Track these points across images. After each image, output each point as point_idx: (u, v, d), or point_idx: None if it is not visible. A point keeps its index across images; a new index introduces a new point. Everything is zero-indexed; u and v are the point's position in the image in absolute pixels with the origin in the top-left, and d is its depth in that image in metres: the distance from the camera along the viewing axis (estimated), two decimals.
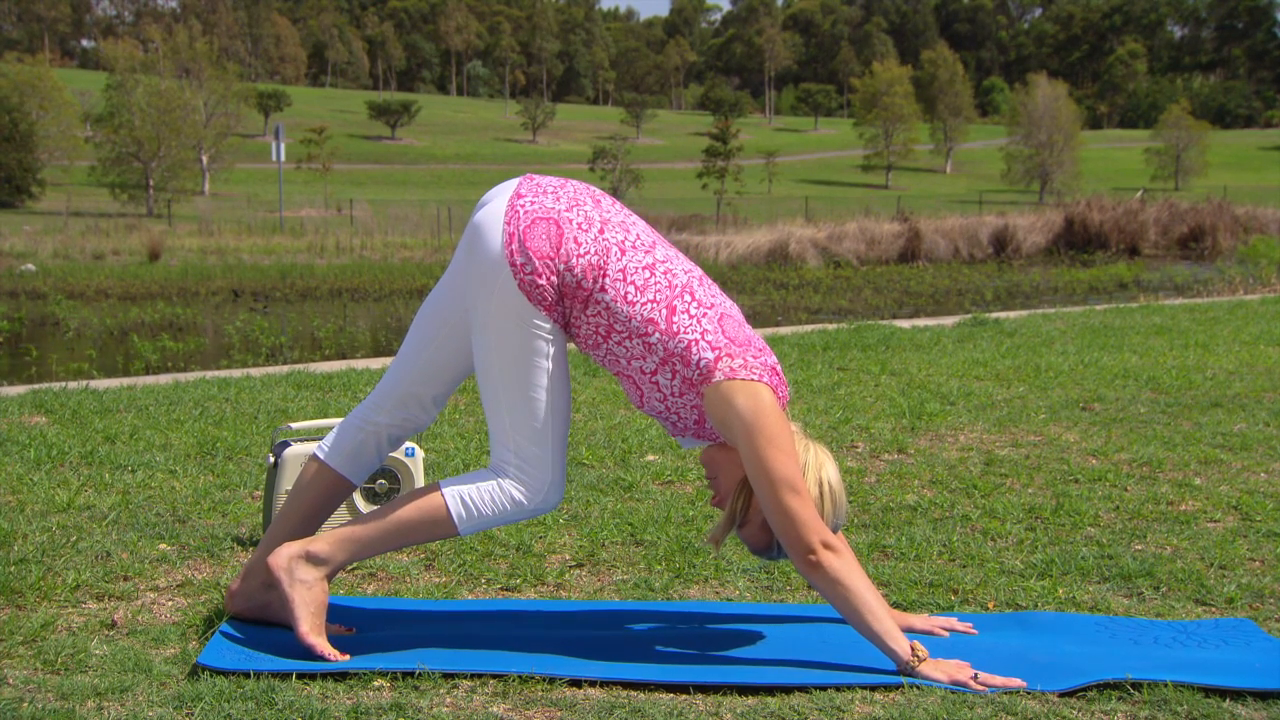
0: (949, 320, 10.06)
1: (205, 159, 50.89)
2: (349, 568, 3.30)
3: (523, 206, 2.65)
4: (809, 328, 9.74)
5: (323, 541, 2.65)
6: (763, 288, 18.77)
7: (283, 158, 37.09)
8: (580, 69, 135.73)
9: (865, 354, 7.54)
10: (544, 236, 2.61)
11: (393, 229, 31.13)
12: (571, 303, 2.63)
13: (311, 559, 2.64)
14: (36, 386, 6.51)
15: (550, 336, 2.64)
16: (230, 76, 54.62)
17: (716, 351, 2.60)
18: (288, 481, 3.43)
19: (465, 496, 2.64)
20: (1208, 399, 5.75)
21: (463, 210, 34.86)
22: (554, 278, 2.60)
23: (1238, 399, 5.77)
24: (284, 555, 2.64)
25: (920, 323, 10.10)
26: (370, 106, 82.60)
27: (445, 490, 2.65)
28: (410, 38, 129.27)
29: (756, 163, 63.41)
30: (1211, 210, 28.45)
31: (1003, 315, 10.33)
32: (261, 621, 2.77)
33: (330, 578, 2.66)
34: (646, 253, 2.67)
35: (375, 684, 2.44)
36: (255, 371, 7.20)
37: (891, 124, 71.85)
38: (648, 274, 2.64)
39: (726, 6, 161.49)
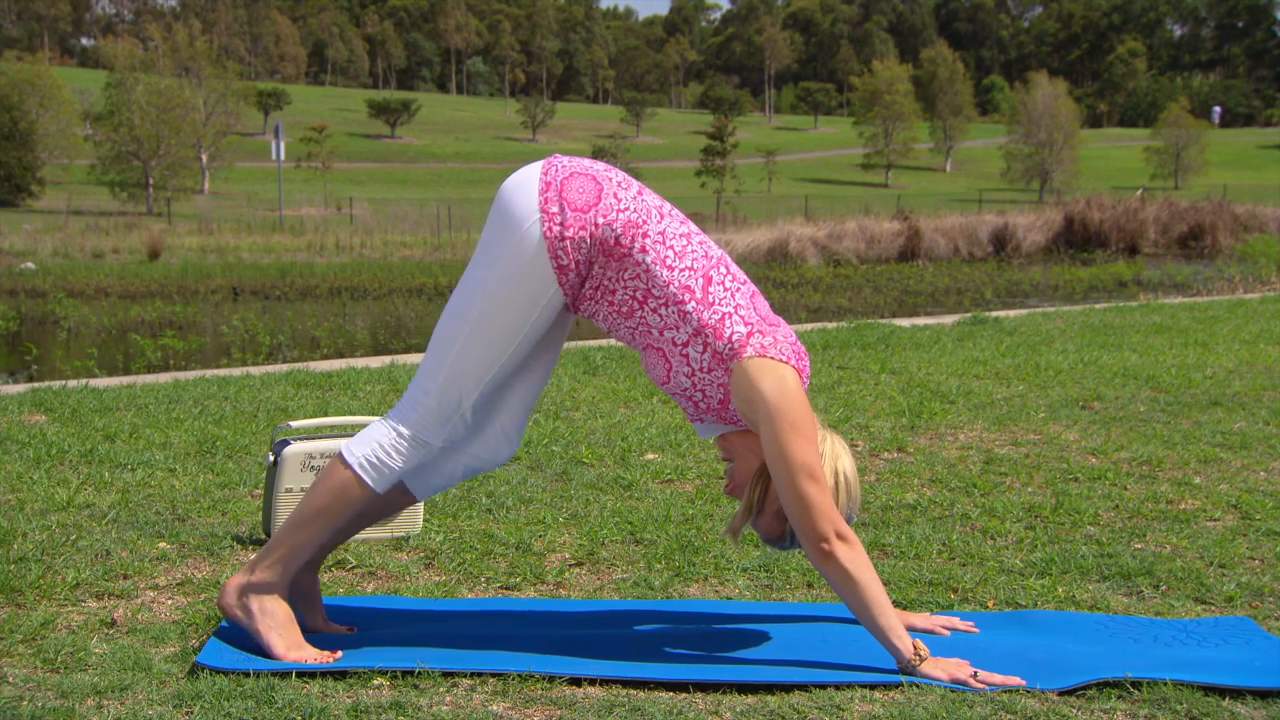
0: (949, 319, 10.06)
1: (205, 157, 50.88)
2: (350, 566, 3.30)
3: (561, 163, 2.64)
4: (809, 326, 9.74)
5: (260, 568, 2.63)
6: (762, 286, 18.76)
7: (282, 156, 37.09)
8: (580, 67, 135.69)
9: (865, 352, 7.54)
10: (581, 190, 2.58)
11: (392, 227, 31.13)
12: (607, 262, 2.58)
13: (256, 589, 2.62)
14: (36, 385, 6.51)
15: (547, 301, 2.59)
16: (230, 75, 54.58)
17: (749, 326, 2.57)
18: (287, 480, 3.43)
19: (369, 455, 2.62)
20: (1207, 397, 5.75)
21: (462, 209, 34.87)
22: (584, 233, 2.55)
23: (1237, 397, 5.77)
24: (231, 595, 2.63)
25: (920, 321, 10.10)
26: (370, 105, 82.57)
27: (349, 458, 2.63)
28: (410, 36, 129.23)
29: (756, 161, 63.43)
30: (1211, 209, 28.43)
31: (1002, 314, 10.33)
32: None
33: (283, 592, 2.64)
34: (683, 222, 2.66)
35: (375, 682, 2.44)
36: (255, 370, 7.20)
37: (891, 122, 71.83)
38: (685, 241, 2.62)
39: (726, 5, 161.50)
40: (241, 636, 2.65)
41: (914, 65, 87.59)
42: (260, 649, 2.59)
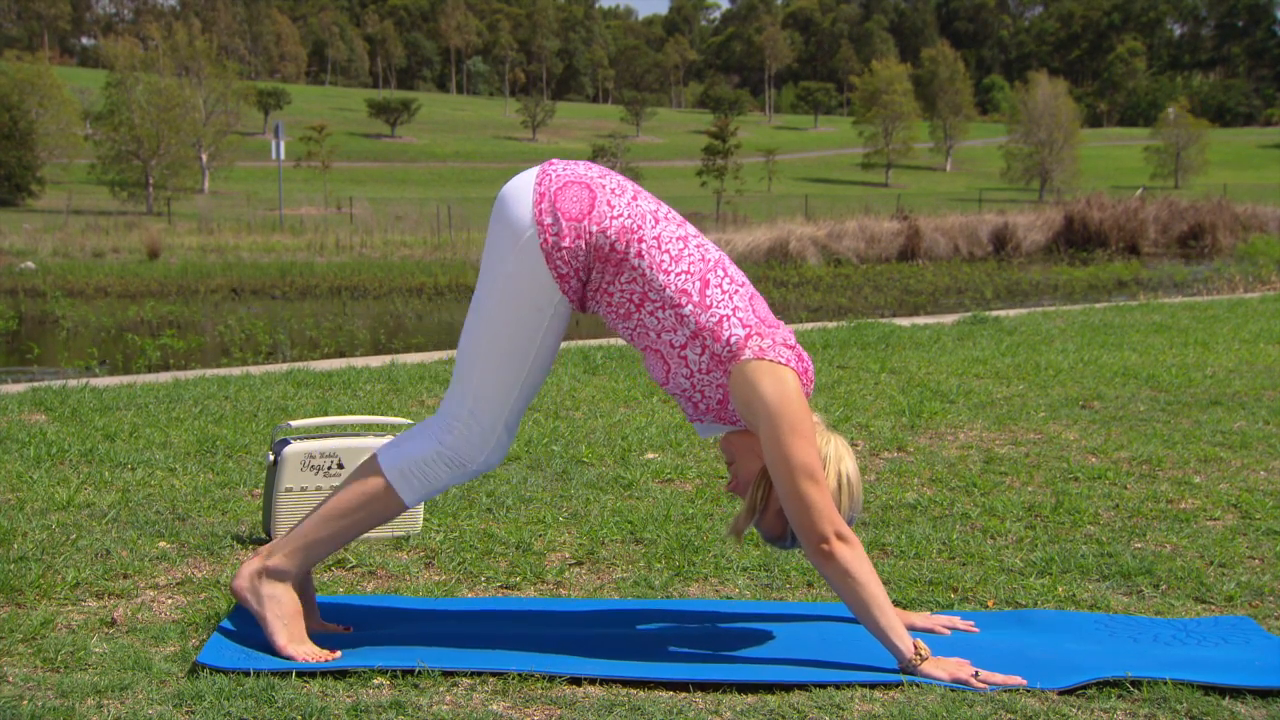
0: (949, 318, 10.06)
1: (205, 157, 50.89)
2: (350, 566, 3.30)
3: (555, 171, 2.65)
4: (809, 326, 9.74)
5: (278, 554, 2.64)
6: (763, 286, 18.75)
7: (282, 156, 37.08)
8: (580, 67, 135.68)
9: (865, 352, 7.54)
10: (575, 199, 2.59)
11: (392, 227, 31.12)
12: (604, 268, 2.60)
13: (271, 574, 2.63)
14: (36, 384, 6.50)
15: (554, 309, 2.61)
16: (230, 74, 54.62)
17: (747, 329, 2.58)
18: (287, 479, 3.43)
19: (405, 469, 2.63)
20: (1207, 397, 5.75)
21: (462, 208, 34.86)
22: (580, 241, 2.57)
23: (1237, 397, 5.77)
24: (245, 577, 2.64)
25: (920, 321, 10.10)
26: (370, 104, 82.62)
27: (384, 468, 2.64)
28: (410, 36, 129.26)
29: (756, 161, 63.43)
30: (1211, 208, 28.41)
31: (1002, 313, 10.33)
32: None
33: (297, 584, 2.65)
34: (680, 225, 2.66)
35: (375, 682, 2.44)
36: (255, 369, 7.20)
37: (891, 122, 71.86)
38: (681, 245, 2.62)
39: (726, 4, 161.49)
40: (242, 634, 2.66)
41: (914, 64, 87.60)
42: (264, 640, 2.59)
